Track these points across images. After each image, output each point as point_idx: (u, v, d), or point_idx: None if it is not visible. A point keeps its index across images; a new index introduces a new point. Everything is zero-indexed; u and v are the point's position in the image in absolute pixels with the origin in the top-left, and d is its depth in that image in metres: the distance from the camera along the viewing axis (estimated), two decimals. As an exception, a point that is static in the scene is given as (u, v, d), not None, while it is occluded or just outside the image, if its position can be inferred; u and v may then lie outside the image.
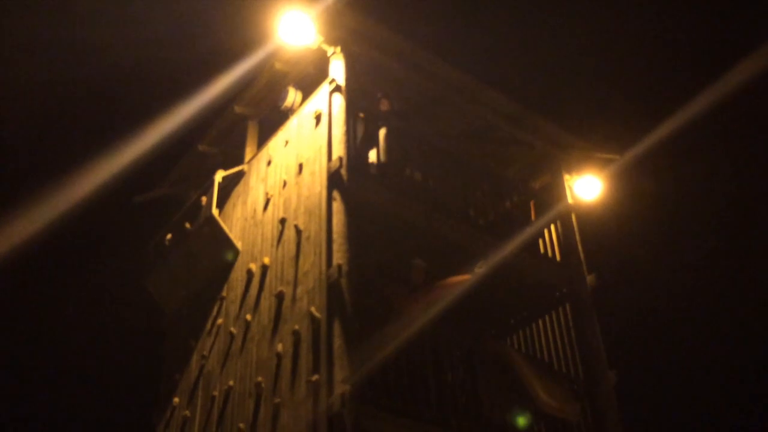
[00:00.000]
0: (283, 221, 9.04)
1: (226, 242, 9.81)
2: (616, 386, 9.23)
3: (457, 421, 7.79)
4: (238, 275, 9.53)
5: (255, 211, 9.77)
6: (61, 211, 11.63)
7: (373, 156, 9.13)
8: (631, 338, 15.69)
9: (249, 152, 10.65)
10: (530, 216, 10.25)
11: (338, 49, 9.43)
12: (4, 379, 15.50)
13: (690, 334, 17.23)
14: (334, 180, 8.47)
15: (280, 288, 8.52)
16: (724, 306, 17.26)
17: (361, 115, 9.26)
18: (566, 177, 10.91)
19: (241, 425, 8.17)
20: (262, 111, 10.82)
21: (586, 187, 10.89)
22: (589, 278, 10.00)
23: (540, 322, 10.02)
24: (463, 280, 8.74)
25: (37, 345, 15.74)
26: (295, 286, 8.32)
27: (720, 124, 15.87)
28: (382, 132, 9.22)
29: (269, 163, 9.92)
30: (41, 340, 15.74)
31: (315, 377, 7.38)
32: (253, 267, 9.21)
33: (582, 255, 10.20)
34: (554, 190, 10.77)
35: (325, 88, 9.34)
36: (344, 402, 6.98)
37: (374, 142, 9.20)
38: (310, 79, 9.97)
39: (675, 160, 15.65)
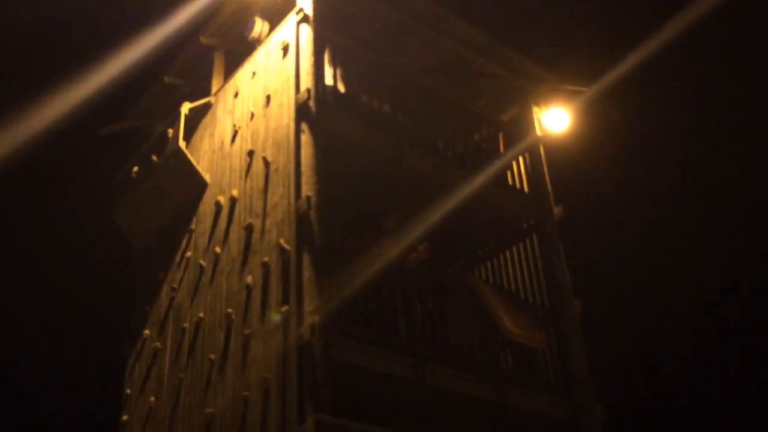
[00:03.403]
0: (251, 153, 9.00)
1: (193, 175, 9.76)
2: (581, 315, 9.41)
3: (425, 350, 7.92)
4: (206, 208, 9.51)
5: (223, 143, 9.71)
6: (25, 142, 11.46)
7: (341, 87, 9.06)
8: (597, 268, 15.93)
9: (216, 84, 10.53)
10: (499, 148, 10.29)
11: (305, -22, 9.27)
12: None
13: (654, 263, 17.54)
14: (302, 112, 8.41)
15: (249, 220, 8.53)
16: (688, 236, 17.54)
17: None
18: (535, 109, 10.93)
19: (212, 356, 8.25)
20: (228, 42, 10.65)
21: (555, 119, 10.93)
22: (557, 210, 10.11)
23: (507, 253, 10.14)
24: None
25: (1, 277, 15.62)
26: (264, 218, 8.33)
27: (687, 55, 15.92)
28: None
29: (236, 94, 9.82)
30: (5, 273, 15.62)
31: (285, 308, 7.45)
32: (222, 199, 9.19)
33: (549, 186, 10.29)
34: (523, 123, 10.81)
35: (292, 18, 9.21)
36: (314, 332, 7.07)
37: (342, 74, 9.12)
38: (277, 9, 9.81)
39: (642, 91, 15.71)
